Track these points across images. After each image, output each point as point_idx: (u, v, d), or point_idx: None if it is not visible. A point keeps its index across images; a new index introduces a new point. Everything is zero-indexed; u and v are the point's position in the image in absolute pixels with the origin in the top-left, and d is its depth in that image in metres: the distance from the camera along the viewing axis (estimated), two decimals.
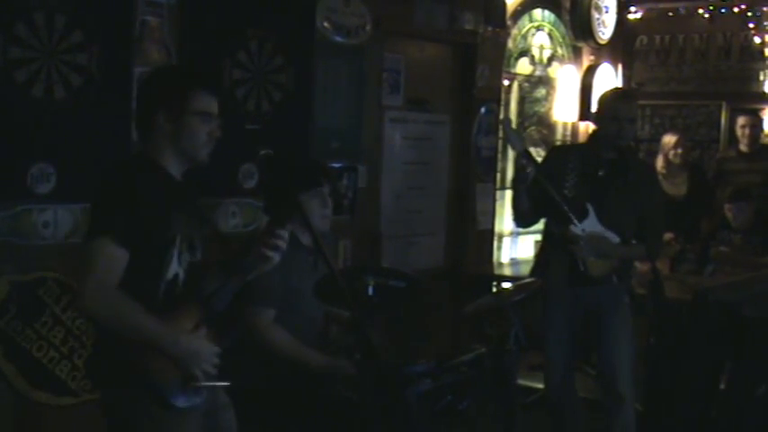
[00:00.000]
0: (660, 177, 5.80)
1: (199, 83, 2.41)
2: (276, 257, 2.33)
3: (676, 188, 5.91)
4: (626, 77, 7.47)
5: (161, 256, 2.27)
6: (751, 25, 7.00)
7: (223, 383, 2.38)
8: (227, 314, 2.44)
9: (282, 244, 2.33)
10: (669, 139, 6.02)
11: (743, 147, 6.07)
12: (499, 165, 6.05)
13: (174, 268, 2.31)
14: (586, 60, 6.94)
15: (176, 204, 2.33)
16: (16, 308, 3.37)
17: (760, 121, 6.23)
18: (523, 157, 3.55)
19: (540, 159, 3.99)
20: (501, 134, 5.73)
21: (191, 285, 2.35)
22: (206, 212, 2.65)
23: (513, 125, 6.28)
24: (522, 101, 6.43)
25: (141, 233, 2.22)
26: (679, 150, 5.92)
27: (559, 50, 6.68)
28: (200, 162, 2.40)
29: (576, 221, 3.61)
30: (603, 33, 6.88)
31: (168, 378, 2.21)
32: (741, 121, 6.06)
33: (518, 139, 3.70)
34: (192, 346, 2.25)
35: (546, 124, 6.70)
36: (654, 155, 6.85)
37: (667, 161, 5.94)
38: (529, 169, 3.53)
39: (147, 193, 2.25)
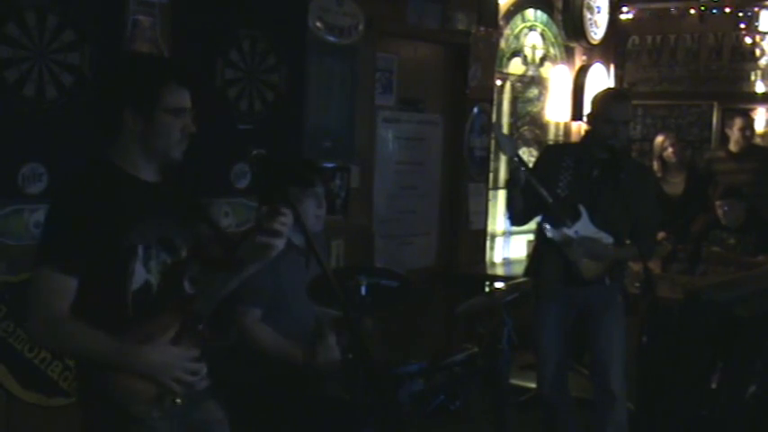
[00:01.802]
0: (658, 178, 5.85)
1: (169, 75, 2.20)
2: (279, 245, 2.14)
3: (674, 188, 5.93)
4: (618, 77, 7.49)
5: (121, 271, 2.12)
6: (742, 26, 7.03)
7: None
8: (221, 314, 2.36)
9: (285, 228, 2.12)
10: (658, 140, 6.06)
11: (733, 147, 6.10)
12: (492, 165, 6.06)
13: (141, 277, 2.15)
14: (578, 60, 6.96)
15: (139, 210, 2.16)
16: (7, 308, 3.36)
17: (753, 122, 6.26)
18: (514, 161, 3.55)
19: (532, 160, 3.99)
20: (493, 135, 5.74)
21: (168, 288, 2.21)
22: (202, 210, 2.44)
23: (506, 125, 6.31)
24: (514, 101, 6.44)
25: (90, 254, 2.08)
26: (670, 149, 5.94)
27: (552, 50, 6.70)
28: (174, 161, 2.22)
29: (568, 223, 3.62)
30: (595, 33, 6.90)
31: (139, 395, 2.09)
32: (739, 123, 6.07)
33: (509, 143, 3.71)
34: (154, 357, 2.09)
35: (538, 124, 6.71)
36: (646, 155, 6.88)
37: (662, 162, 5.97)
38: (520, 172, 3.54)
39: (94, 211, 2.09)
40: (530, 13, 6.39)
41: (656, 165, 5.99)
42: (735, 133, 6.05)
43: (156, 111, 2.15)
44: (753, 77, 7.08)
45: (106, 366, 2.08)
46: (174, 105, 2.17)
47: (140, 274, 2.15)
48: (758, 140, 6.86)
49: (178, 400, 2.13)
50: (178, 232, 2.25)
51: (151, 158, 2.20)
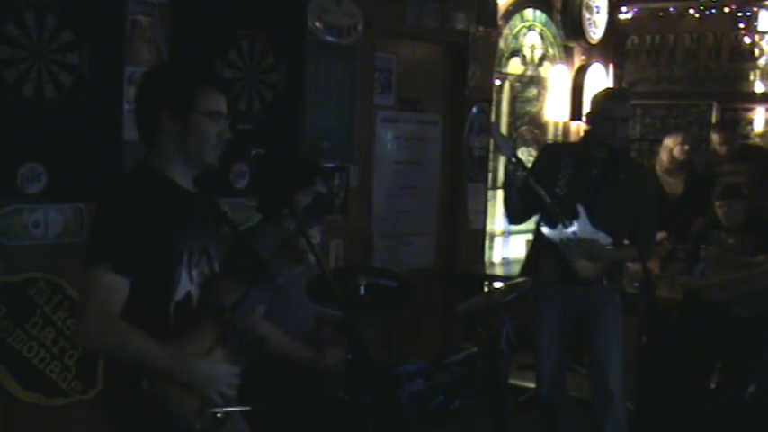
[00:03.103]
0: (661, 175, 5.87)
1: (206, 80, 2.25)
2: (311, 258, 2.23)
3: (673, 187, 5.94)
4: (617, 77, 7.49)
5: (168, 278, 2.13)
6: (741, 25, 7.03)
7: (243, 408, 2.28)
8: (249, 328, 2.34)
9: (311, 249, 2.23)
10: (675, 138, 6.09)
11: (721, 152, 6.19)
12: (491, 164, 6.06)
13: (185, 287, 2.16)
14: (577, 60, 6.96)
15: (184, 217, 2.17)
16: (6, 308, 3.36)
17: (733, 135, 6.30)
18: (513, 162, 3.55)
19: (531, 160, 3.99)
20: (491, 136, 5.74)
21: (206, 300, 2.22)
22: (222, 211, 2.45)
23: (505, 125, 6.32)
24: (513, 101, 6.44)
25: (143, 257, 2.07)
26: (686, 147, 6.01)
27: (551, 50, 6.70)
28: (210, 166, 2.24)
29: (566, 223, 3.62)
30: (594, 33, 6.90)
31: (185, 405, 2.08)
32: (715, 138, 6.18)
33: (507, 143, 3.71)
34: (205, 370, 2.09)
35: (537, 124, 6.71)
36: (645, 155, 6.88)
37: (672, 158, 5.99)
38: (518, 173, 3.54)
39: (148, 211, 2.09)
40: (529, 12, 6.39)
41: (664, 159, 6.01)
42: (718, 148, 6.14)
43: (192, 113, 2.17)
44: (752, 77, 7.08)
45: (155, 373, 2.06)
46: (210, 109, 2.19)
47: (184, 284, 2.16)
48: (757, 140, 6.88)
49: (219, 414, 2.13)
50: (212, 242, 2.27)
51: (188, 164, 2.22)
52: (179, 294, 2.15)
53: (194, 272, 2.19)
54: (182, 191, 2.22)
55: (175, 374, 2.07)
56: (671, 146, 6.05)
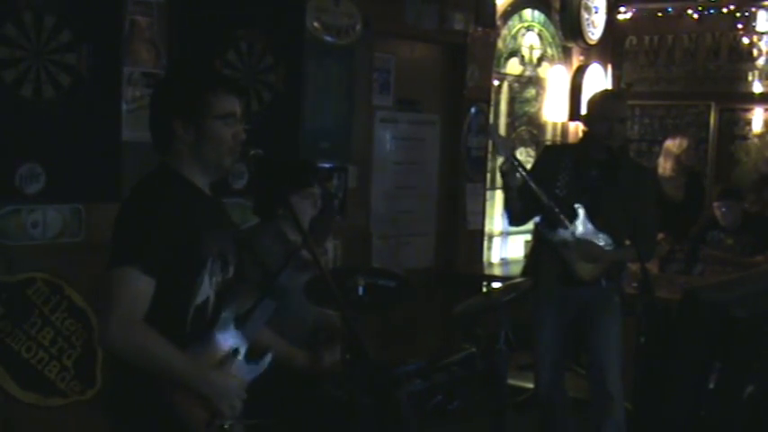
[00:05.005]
0: (664, 180, 5.82)
1: (219, 82, 2.21)
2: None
3: (676, 191, 5.91)
4: (615, 78, 7.49)
5: (192, 281, 2.10)
6: (739, 26, 7.03)
7: (250, 421, 2.28)
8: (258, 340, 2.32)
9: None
10: (681, 142, 5.97)
11: None
12: (489, 165, 6.06)
13: (206, 292, 2.14)
14: (576, 61, 6.96)
15: (208, 221, 2.15)
16: (5, 309, 3.36)
17: None
18: (511, 163, 3.55)
19: (529, 160, 3.99)
20: (489, 137, 5.74)
21: (220, 307, 2.19)
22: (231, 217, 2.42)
23: (503, 125, 6.32)
24: (511, 101, 6.44)
25: (171, 259, 2.04)
26: (692, 151, 5.96)
27: (549, 51, 6.70)
28: (226, 171, 2.21)
29: (566, 223, 3.62)
30: (593, 34, 6.90)
31: (194, 414, 2.07)
32: None
33: (505, 145, 3.71)
34: (220, 382, 2.08)
35: (536, 124, 6.72)
36: (643, 155, 6.87)
37: (679, 163, 5.91)
38: (516, 174, 3.53)
39: (176, 214, 2.07)
40: (527, 13, 6.40)
41: (669, 164, 5.92)
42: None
43: (206, 119, 2.14)
44: (750, 78, 7.08)
45: (170, 380, 2.04)
46: (223, 112, 2.16)
47: (205, 289, 2.14)
48: (756, 141, 6.88)
49: (226, 426, 2.12)
50: (230, 248, 2.24)
51: (205, 169, 2.18)
52: (200, 299, 2.13)
53: (214, 278, 2.16)
54: (203, 194, 2.19)
55: (192, 384, 2.05)
56: (676, 151, 5.92)
